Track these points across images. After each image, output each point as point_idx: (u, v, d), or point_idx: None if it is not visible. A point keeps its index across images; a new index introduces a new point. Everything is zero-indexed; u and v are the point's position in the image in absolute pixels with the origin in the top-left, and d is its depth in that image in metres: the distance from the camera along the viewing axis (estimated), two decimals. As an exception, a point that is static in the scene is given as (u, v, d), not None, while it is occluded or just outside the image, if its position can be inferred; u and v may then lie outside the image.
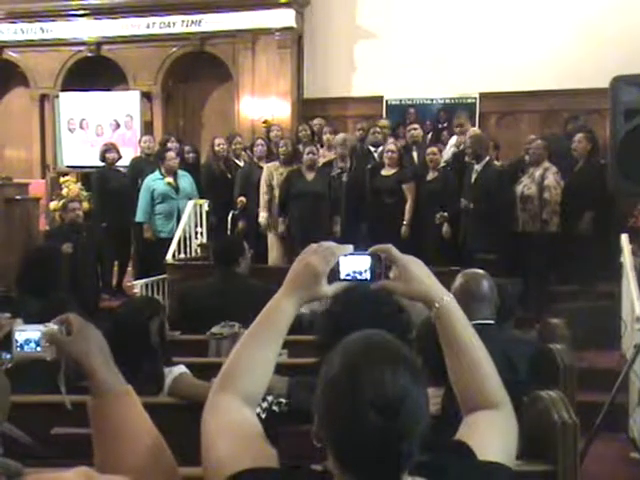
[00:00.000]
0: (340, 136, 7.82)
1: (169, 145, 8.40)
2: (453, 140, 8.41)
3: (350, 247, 1.49)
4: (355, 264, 1.48)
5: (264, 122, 10.59)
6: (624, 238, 5.89)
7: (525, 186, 6.74)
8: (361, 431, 1.15)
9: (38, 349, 1.45)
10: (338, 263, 1.47)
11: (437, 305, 1.47)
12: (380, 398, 1.16)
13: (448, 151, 8.15)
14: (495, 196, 6.66)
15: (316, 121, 9.05)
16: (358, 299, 2.09)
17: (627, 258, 5.67)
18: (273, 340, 1.43)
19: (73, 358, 1.42)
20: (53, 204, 9.37)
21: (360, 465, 1.18)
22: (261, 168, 7.71)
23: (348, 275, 1.48)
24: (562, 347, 3.13)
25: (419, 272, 1.49)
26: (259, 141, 8.28)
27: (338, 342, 1.29)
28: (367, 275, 1.48)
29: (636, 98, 4.08)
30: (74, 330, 1.43)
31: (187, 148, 8.80)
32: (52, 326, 1.45)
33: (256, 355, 1.42)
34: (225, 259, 4.59)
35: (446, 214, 6.92)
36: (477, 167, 6.87)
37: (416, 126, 8.34)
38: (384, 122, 8.76)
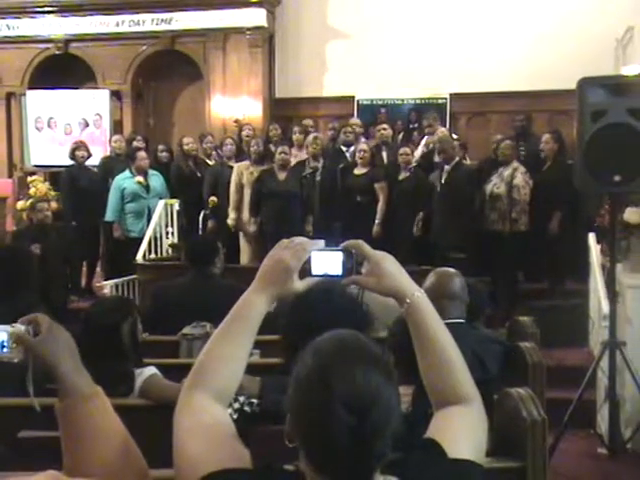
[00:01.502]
0: (311, 135, 7.82)
1: (135, 144, 8.34)
2: (422, 144, 8.49)
3: (322, 242, 1.49)
4: (327, 260, 1.48)
5: (235, 121, 10.56)
6: (591, 237, 5.97)
7: (495, 185, 6.80)
8: (333, 431, 1.15)
9: (5, 350, 1.40)
10: (310, 259, 1.46)
11: (408, 301, 1.47)
12: (352, 398, 1.16)
13: (419, 151, 8.21)
14: (465, 195, 6.73)
15: (298, 127, 8.82)
16: (318, 296, 2.09)
17: (594, 257, 5.75)
18: (244, 336, 1.42)
19: (41, 360, 1.39)
20: (20, 204, 9.21)
21: (332, 465, 1.18)
22: (230, 167, 7.69)
23: (320, 271, 1.48)
24: (531, 345, 3.16)
25: (391, 268, 1.49)
26: (228, 140, 8.26)
27: (305, 341, 1.29)
28: (339, 271, 1.48)
29: (602, 99, 4.15)
30: (42, 331, 1.40)
31: (160, 147, 8.73)
32: (19, 326, 1.40)
33: (227, 351, 1.41)
34: (201, 260, 4.55)
35: (421, 214, 6.97)
36: (447, 167, 6.93)
37: (385, 126, 8.37)
38: (355, 121, 8.78)
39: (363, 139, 8.41)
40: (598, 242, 5.81)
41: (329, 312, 1.98)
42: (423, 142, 8.39)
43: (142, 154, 7.73)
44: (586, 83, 4.18)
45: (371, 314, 2.21)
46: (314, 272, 1.48)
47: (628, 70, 6.93)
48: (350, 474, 1.18)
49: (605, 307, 4.71)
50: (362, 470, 1.19)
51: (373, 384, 1.18)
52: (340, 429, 1.15)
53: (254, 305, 1.43)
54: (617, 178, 4.06)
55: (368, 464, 1.19)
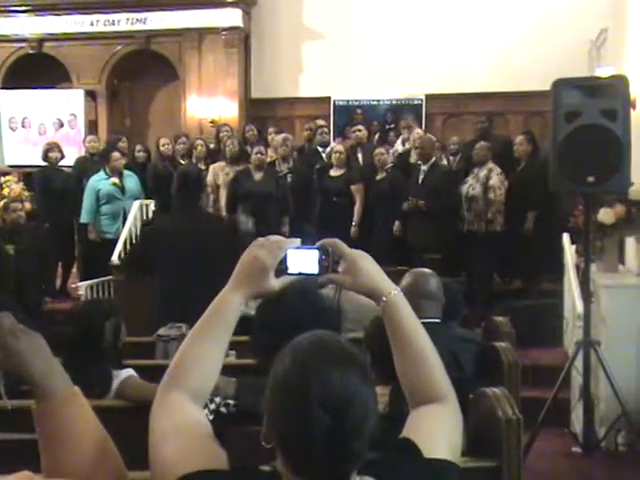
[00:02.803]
0: (280, 136, 7.79)
1: (120, 144, 8.27)
2: (399, 141, 8.54)
3: (297, 241, 1.48)
4: (303, 258, 1.47)
5: (211, 122, 10.52)
6: (565, 237, 6.03)
7: (470, 186, 6.85)
8: (309, 431, 1.15)
9: None
10: (286, 257, 1.45)
11: (385, 299, 1.47)
12: (329, 397, 1.16)
13: (397, 148, 8.27)
14: (442, 196, 6.76)
15: (273, 127, 8.86)
16: (294, 296, 2.07)
17: (568, 257, 5.81)
18: (220, 334, 1.42)
19: (10, 365, 1.36)
20: (-7, 204, 9.09)
21: (309, 465, 1.17)
22: (201, 169, 7.68)
23: (296, 269, 1.47)
24: (506, 345, 3.18)
25: (367, 266, 1.48)
26: (198, 142, 8.26)
27: (280, 341, 1.28)
28: (315, 269, 1.47)
29: (577, 101, 4.19)
30: (4, 332, 1.36)
31: (138, 147, 8.66)
32: None
33: (203, 351, 1.40)
34: (187, 193, 4.62)
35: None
36: (424, 167, 6.96)
37: (360, 127, 8.39)
38: (320, 122, 8.84)
39: (338, 140, 8.44)
40: (572, 242, 5.87)
41: (305, 312, 1.97)
42: (398, 142, 8.46)
43: (116, 155, 7.65)
44: (560, 84, 4.22)
45: (342, 315, 2.20)
46: (290, 270, 1.46)
47: (602, 71, 6.99)
48: (327, 475, 1.18)
49: (579, 307, 4.75)
50: (339, 470, 1.18)
51: (351, 385, 1.18)
52: (318, 430, 1.14)
53: (230, 304, 1.42)
54: (591, 179, 4.10)
55: (345, 465, 1.19)
